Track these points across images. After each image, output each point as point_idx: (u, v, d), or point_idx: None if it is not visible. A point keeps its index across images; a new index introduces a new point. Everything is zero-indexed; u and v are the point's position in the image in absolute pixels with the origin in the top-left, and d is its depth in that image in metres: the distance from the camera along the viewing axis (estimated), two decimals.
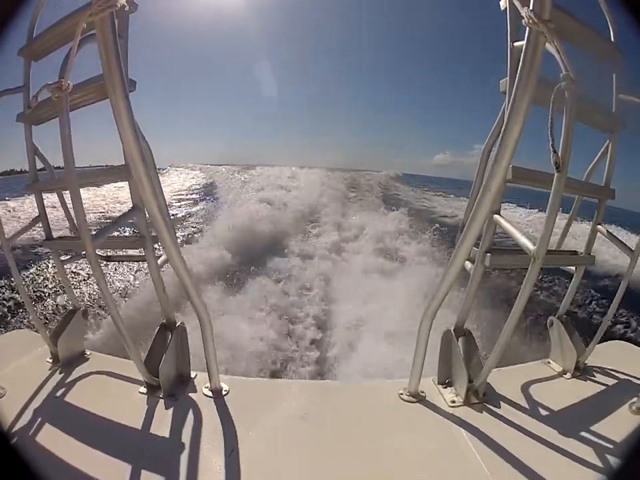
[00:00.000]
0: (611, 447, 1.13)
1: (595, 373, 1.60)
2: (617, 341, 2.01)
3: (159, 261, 1.33)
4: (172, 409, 1.27)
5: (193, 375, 1.43)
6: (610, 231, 1.57)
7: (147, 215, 1.23)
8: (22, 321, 4.10)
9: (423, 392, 1.37)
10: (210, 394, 1.34)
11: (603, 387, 1.51)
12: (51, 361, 1.57)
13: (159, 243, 1.24)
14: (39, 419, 1.20)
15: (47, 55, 1.55)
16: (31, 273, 5.35)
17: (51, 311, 4.42)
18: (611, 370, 1.62)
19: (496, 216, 1.24)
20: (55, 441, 1.11)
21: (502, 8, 1.33)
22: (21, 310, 4.34)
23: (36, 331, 1.76)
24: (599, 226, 1.58)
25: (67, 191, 1.24)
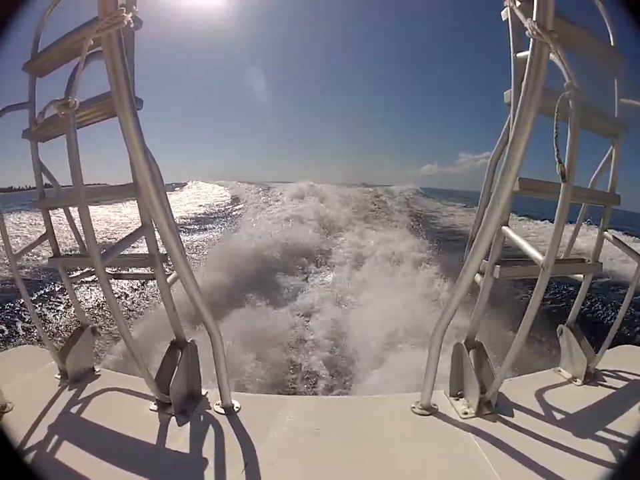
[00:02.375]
0: (625, 450, 1.13)
1: (605, 378, 1.60)
2: (627, 345, 2.00)
3: (169, 279, 1.32)
4: (184, 425, 1.26)
5: (204, 392, 1.43)
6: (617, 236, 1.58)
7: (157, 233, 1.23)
8: (27, 337, 4.08)
9: (435, 404, 1.36)
10: (222, 411, 1.33)
11: (615, 392, 1.51)
12: (59, 377, 1.57)
13: (169, 261, 1.24)
14: (48, 433, 1.20)
15: (52, 70, 1.56)
16: (40, 289, 5.35)
17: (57, 328, 4.39)
18: (622, 374, 1.62)
19: (504, 227, 1.24)
20: (63, 455, 1.11)
21: (503, 19, 1.33)
22: (22, 326, 4.33)
23: (44, 347, 1.76)
24: (605, 232, 1.58)
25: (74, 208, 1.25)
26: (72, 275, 1.67)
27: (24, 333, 4.18)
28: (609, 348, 1.62)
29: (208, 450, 1.16)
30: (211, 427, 1.26)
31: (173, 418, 1.29)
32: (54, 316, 4.68)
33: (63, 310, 4.79)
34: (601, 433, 1.22)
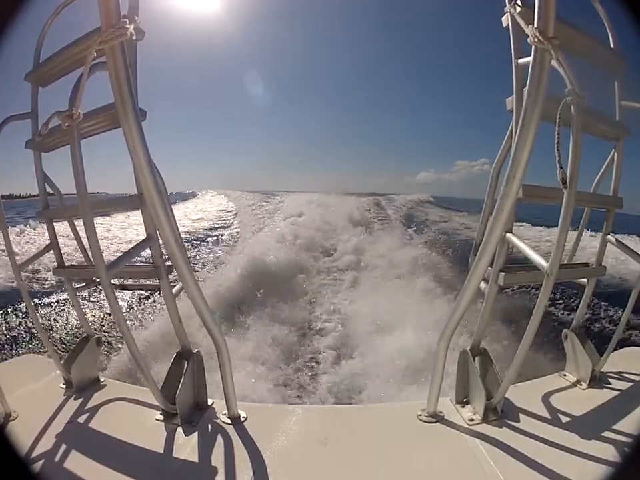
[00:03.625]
0: (633, 452, 1.12)
1: (611, 381, 1.60)
2: (632, 347, 2.00)
3: (174, 290, 1.32)
4: (190, 436, 1.26)
5: (210, 403, 1.42)
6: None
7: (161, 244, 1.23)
8: (30, 347, 4.08)
9: (441, 412, 1.36)
10: (228, 421, 1.33)
11: (620, 394, 1.51)
12: (64, 386, 1.57)
13: (174, 272, 1.24)
14: (53, 442, 1.20)
15: (55, 80, 1.56)
16: (46, 299, 5.36)
17: (60, 338, 4.39)
18: (627, 376, 1.62)
19: (508, 234, 1.24)
20: (69, 464, 1.12)
21: (504, 25, 1.33)
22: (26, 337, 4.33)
23: (48, 356, 1.76)
24: (608, 236, 1.58)
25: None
26: (77, 286, 1.67)
27: (28, 343, 4.19)
28: (613, 351, 1.62)
29: (215, 460, 1.16)
30: (217, 436, 1.26)
31: (179, 428, 1.29)
32: (58, 325, 4.68)
33: (67, 320, 4.79)
34: (607, 436, 1.22)
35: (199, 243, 10.24)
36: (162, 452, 1.20)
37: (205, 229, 12.67)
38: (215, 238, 10.93)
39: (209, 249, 9.57)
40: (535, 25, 1.05)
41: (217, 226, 13.37)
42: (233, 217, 15.37)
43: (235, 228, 12.51)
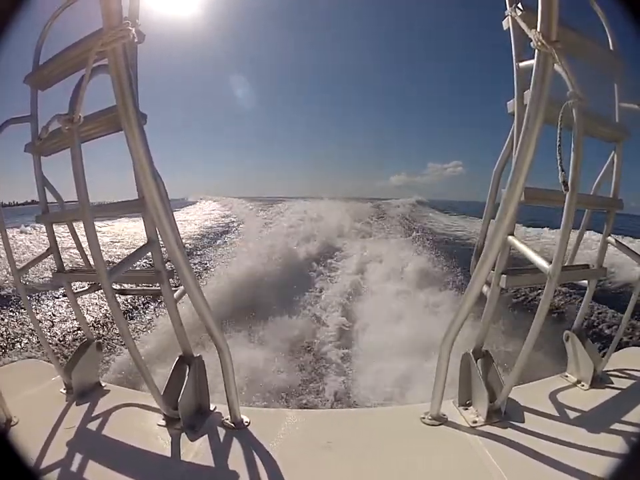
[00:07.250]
0: (636, 450, 1.12)
1: (613, 380, 1.60)
2: (633, 347, 2.01)
3: (176, 295, 1.32)
4: (192, 441, 1.25)
5: (212, 408, 1.42)
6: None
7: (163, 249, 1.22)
8: (29, 350, 4.06)
9: (444, 414, 1.36)
10: (231, 425, 1.32)
11: (622, 394, 1.52)
12: (64, 391, 1.56)
13: (175, 277, 1.23)
14: (54, 447, 1.19)
15: (54, 83, 1.55)
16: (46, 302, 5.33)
17: (59, 342, 4.36)
18: (629, 376, 1.63)
19: (510, 237, 1.24)
20: (70, 469, 1.11)
21: (504, 28, 1.33)
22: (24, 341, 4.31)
23: (48, 361, 1.75)
24: (609, 237, 1.58)
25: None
26: (77, 290, 1.66)
27: (26, 347, 4.16)
28: (615, 351, 1.63)
29: (218, 465, 1.16)
30: (220, 441, 1.26)
31: (182, 433, 1.28)
32: (58, 330, 4.66)
33: (66, 324, 4.76)
34: (611, 436, 1.22)
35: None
36: (164, 457, 1.19)
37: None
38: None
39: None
40: (538, 29, 1.05)
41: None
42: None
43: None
